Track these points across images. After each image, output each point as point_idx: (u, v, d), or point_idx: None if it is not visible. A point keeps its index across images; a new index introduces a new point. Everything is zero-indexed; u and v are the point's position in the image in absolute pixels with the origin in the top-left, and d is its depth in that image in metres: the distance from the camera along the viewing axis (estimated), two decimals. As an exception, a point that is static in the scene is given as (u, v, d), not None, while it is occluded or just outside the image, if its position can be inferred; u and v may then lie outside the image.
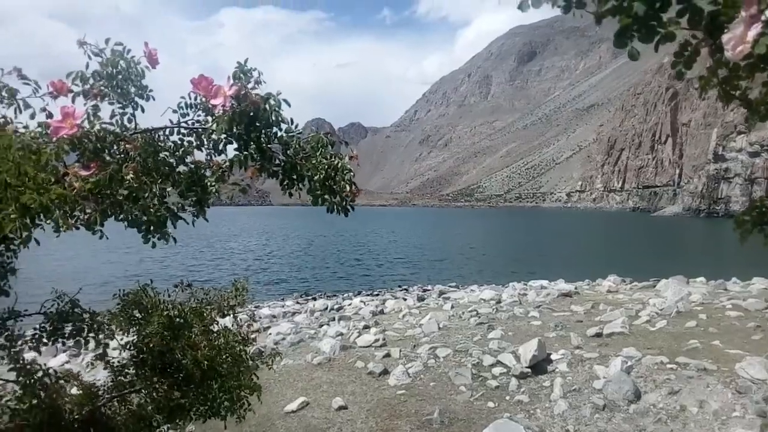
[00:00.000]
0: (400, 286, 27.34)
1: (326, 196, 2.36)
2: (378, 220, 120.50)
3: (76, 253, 39.34)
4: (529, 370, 8.49)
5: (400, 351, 10.08)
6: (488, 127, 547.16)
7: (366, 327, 12.85)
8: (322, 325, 14.27)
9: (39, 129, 2.19)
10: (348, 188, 2.37)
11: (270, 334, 13.24)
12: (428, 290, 24.00)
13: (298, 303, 21.82)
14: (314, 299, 22.63)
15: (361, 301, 19.80)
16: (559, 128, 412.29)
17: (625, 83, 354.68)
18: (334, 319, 15.26)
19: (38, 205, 1.74)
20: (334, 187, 2.35)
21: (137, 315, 2.92)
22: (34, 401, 2.65)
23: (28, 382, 2.82)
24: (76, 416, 2.75)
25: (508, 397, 7.88)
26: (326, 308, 18.67)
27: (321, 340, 11.48)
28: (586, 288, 17.47)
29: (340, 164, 2.36)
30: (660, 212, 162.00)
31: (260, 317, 16.86)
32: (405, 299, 19.28)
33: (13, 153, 1.82)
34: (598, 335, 10.06)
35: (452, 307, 15.20)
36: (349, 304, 19.23)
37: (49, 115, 2.23)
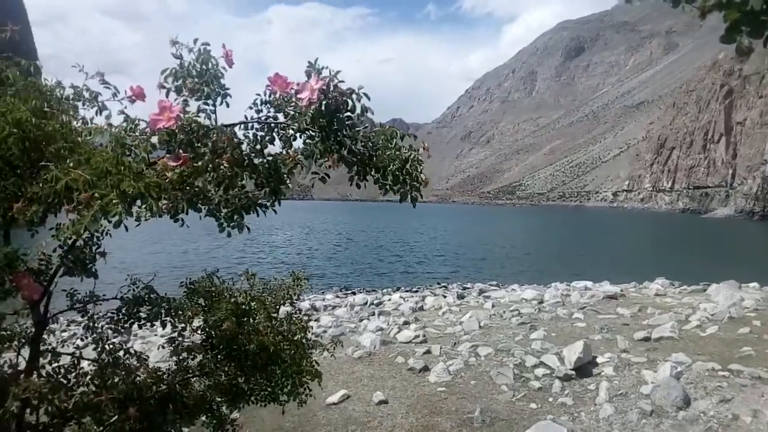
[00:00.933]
0: (439, 283, 27.20)
1: (397, 186, 2.48)
2: (418, 216, 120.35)
3: (119, 245, 40.74)
4: (573, 372, 8.34)
5: (441, 348, 10.06)
6: (532, 123, 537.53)
7: (406, 323, 12.88)
8: (362, 320, 14.37)
9: (125, 124, 2.34)
10: (419, 179, 2.48)
11: (311, 326, 13.43)
12: (468, 288, 23.79)
13: (338, 297, 22.02)
14: (353, 294, 22.77)
15: (401, 297, 19.83)
16: (606, 125, 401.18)
17: (677, 80, 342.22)
18: (374, 314, 15.35)
19: (136, 192, 1.86)
20: (406, 177, 2.45)
21: (201, 302, 3.04)
22: (116, 378, 2.84)
23: (110, 360, 3.02)
24: (155, 394, 2.92)
25: (551, 399, 7.76)
26: (366, 303, 18.77)
27: (361, 334, 11.57)
28: (632, 290, 16.98)
29: (412, 155, 2.47)
30: (711, 214, 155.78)
31: (300, 310, 17.10)
32: (444, 296, 19.18)
33: (110, 145, 1.96)
34: (646, 339, 9.78)
35: (493, 306, 15.06)
36: (389, 300, 19.29)
37: (127, 118, 2.38)
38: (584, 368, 8.48)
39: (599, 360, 8.78)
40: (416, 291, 23.89)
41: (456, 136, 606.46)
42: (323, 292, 24.00)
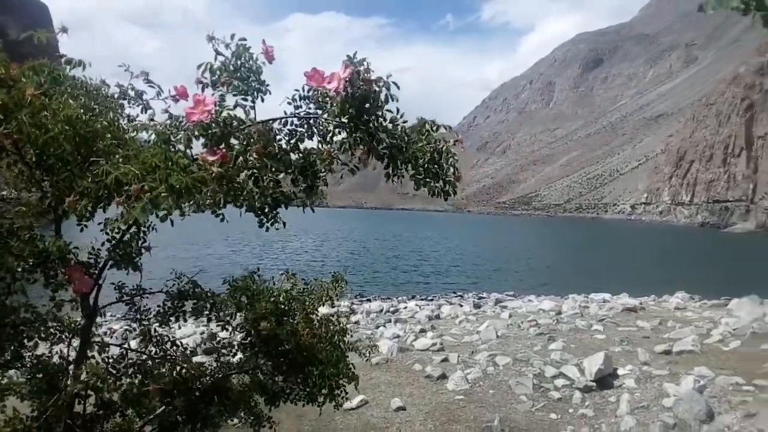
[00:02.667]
0: (455, 293, 27.08)
1: (428, 180, 2.43)
2: (433, 226, 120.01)
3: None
4: (594, 383, 8.27)
5: (458, 356, 10.04)
6: (549, 134, 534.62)
7: (422, 330, 12.86)
8: (378, 327, 14.38)
9: (168, 121, 2.40)
10: (452, 171, 2.44)
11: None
12: (484, 298, 23.65)
13: (354, 304, 22.04)
14: (369, 301, 22.77)
15: (417, 305, 19.82)
16: (624, 137, 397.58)
17: (697, 93, 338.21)
18: (390, 321, 15.35)
19: (183, 186, 1.92)
20: (438, 170, 2.42)
21: (243, 300, 3.09)
22: (163, 369, 2.90)
23: (157, 351, 3.07)
24: (200, 386, 2.98)
25: (571, 410, 7.70)
26: (381, 310, 18.75)
27: (378, 341, 11.58)
28: (651, 304, 16.79)
29: (444, 147, 2.44)
30: (731, 228, 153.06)
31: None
32: (461, 306, 19.12)
33: (158, 142, 2.02)
34: (667, 352, 9.67)
35: (510, 316, 14.98)
36: (405, 308, 19.27)
37: (171, 116, 2.46)
38: (605, 380, 8.40)
39: (620, 372, 8.70)
40: (432, 300, 23.82)
41: (472, 145, 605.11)
42: (339, 299, 23.96)
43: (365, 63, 2.33)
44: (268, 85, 2.52)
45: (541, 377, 8.82)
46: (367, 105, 2.35)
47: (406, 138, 2.48)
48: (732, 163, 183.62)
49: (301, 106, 2.51)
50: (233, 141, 2.36)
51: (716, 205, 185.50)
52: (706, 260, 58.19)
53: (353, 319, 16.77)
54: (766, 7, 1.31)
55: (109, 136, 2.40)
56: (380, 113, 2.41)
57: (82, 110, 2.35)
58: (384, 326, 14.41)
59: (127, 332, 3.36)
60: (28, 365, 2.76)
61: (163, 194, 1.90)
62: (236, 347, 3.31)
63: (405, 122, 2.49)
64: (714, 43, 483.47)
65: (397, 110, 2.44)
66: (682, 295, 18.46)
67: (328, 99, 2.41)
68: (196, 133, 2.26)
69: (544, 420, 7.47)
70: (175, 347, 3.22)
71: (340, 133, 2.50)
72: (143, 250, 2.60)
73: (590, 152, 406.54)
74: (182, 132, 2.36)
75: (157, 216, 1.95)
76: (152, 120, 2.52)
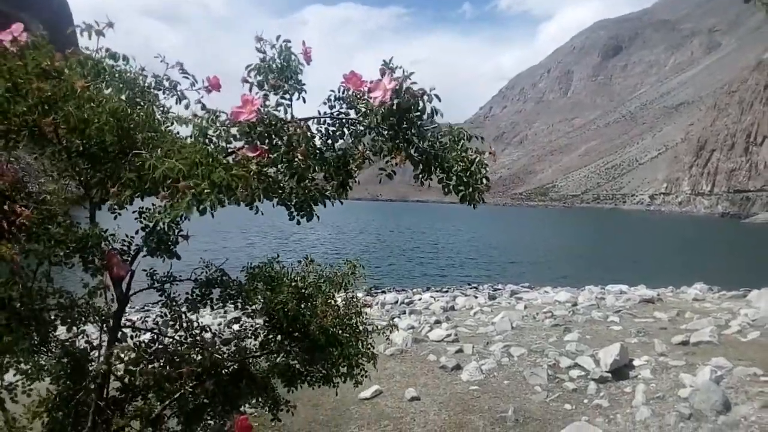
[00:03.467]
0: (469, 284, 27.09)
1: (460, 188, 2.52)
2: (448, 217, 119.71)
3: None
4: (609, 374, 8.24)
5: (473, 347, 10.06)
6: (567, 124, 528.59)
7: (437, 322, 12.90)
8: (393, 318, 14.44)
9: (206, 115, 2.53)
10: (484, 182, 2.53)
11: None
12: (499, 289, 23.65)
13: (369, 295, 22.15)
14: (384, 293, 22.88)
15: (431, 297, 19.86)
16: (644, 126, 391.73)
17: (718, 80, 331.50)
18: (404, 313, 15.41)
19: (225, 183, 2.01)
20: (470, 179, 2.50)
21: (260, 286, 3.20)
22: (193, 353, 3.04)
23: (187, 336, 3.25)
24: (229, 369, 3.12)
25: (586, 401, 7.69)
26: (396, 302, 18.85)
27: (393, 332, 11.63)
28: (669, 295, 16.61)
29: (478, 159, 2.53)
30: (752, 219, 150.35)
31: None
32: (476, 297, 19.13)
33: (194, 135, 2.13)
34: (684, 343, 9.59)
35: (525, 307, 14.96)
36: (419, 299, 19.33)
37: (204, 107, 2.57)
38: (620, 371, 8.37)
39: (636, 363, 8.66)
40: (446, 291, 23.86)
41: (488, 136, 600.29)
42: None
43: (407, 73, 2.41)
44: (304, 84, 2.62)
45: (555, 368, 8.82)
46: (409, 116, 2.45)
47: (439, 144, 2.59)
48: (754, 152, 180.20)
49: (335, 107, 2.62)
50: (277, 140, 2.47)
51: (737, 194, 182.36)
52: (725, 251, 57.36)
53: (367, 310, 16.87)
54: None
55: (148, 128, 2.48)
56: (420, 123, 2.51)
57: (125, 102, 2.44)
58: (399, 317, 14.47)
59: (159, 317, 3.51)
60: (54, 350, 2.88)
61: (206, 190, 1.98)
62: (259, 331, 3.44)
63: (435, 126, 2.60)
64: (736, 29, 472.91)
65: (433, 118, 2.53)
66: (701, 287, 18.27)
67: (364, 103, 2.49)
68: (244, 130, 2.36)
69: (558, 410, 7.48)
70: (204, 332, 3.36)
71: (370, 133, 2.60)
72: (180, 239, 2.70)
73: (609, 142, 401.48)
74: (221, 127, 2.47)
75: (198, 210, 2.02)
76: (194, 114, 2.60)
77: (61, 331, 2.80)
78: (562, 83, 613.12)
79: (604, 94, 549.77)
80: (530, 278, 28.69)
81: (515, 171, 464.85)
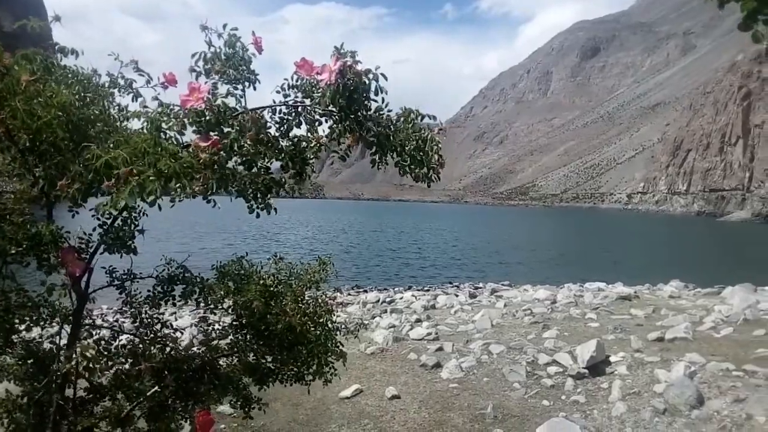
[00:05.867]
0: (451, 283, 27.20)
1: (413, 167, 2.55)
2: (429, 217, 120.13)
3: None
4: (586, 370, 8.35)
5: (453, 345, 10.11)
6: (546, 124, 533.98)
7: (418, 320, 12.93)
8: (374, 317, 14.42)
9: (160, 109, 2.48)
10: (436, 158, 2.55)
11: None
12: (480, 288, 23.78)
13: (350, 294, 22.12)
14: (365, 292, 22.87)
15: (413, 296, 19.89)
16: (621, 127, 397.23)
17: (694, 81, 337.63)
18: (386, 311, 15.40)
19: (171, 171, 1.97)
20: (423, 157, 2.53)
21: (231, 285, 3.16)
22: (153, 350, 2.98)
23: (148, 333, 3.19)
24: (191, 365, 3.07)
25: (563, 397, 7.78)
26: (378, 301, 18.83)
27: (374, 330, 11.64)
28: (646, 292, 16.91)
29: (429, 136, 2.55)
30: (727, 217, 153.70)
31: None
32: (456, 296, 19.20)
33: (146, 127, 2.07)
34: (660, 340, 9.76)
35: (505, 305, 15.07)
36: (401, 298, 19.34)
37: (161, 103, 2.52)
38: (597, 367, 8.48)
39: (612, 359, 8.78)
40: (428, 290, 23.92)
41: (469, 136, 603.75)
42: (335, 290, 24.09)
43: (353, 55, 2.41)
44: (257, 74, 2.60)
45: (534, 365, 8.91)
46: (356, 96, 2.44)
47: (392, 126, 2.58)
48: (728, 152, 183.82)
49: (289, 95, 2.61)
50: (225, 128, 2.45)
51: (712, 194, 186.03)
52: (701, 249, 58.53)
53: (349, 309, 16.86)
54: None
55: (100, 123, 2.44)
56: (368, 104, 2.50)
57: (75, 97, 2.39)
58: (380, 316, 14.46)
59: (118, 314, 3.46)
60: (18, 350, 2.82)
61: (150, 178, 1.94)
62: (228, 330, 3.39)
63: (390, 111, 2.59)
64: (711, 31, 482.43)
65: (383, 100, 2.53)
66: (677, 284, 18.59)
67: (317, 89, 2.49)
68: (191, 119, 2.34)
69: (536, 407, 7.55)
70: (165, 329, 3.31)
71: (327, 121, 2.61)
72: (136, 234, 2.66)
73: (587, 142, 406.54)
74: (174, 119, 2.43)
75: (145, 201, 1.98)
76: (145, 107, 2.57)
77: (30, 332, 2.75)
78: (542, 84, 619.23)
79: (582, 95, 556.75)
80: (510, 277, 28.92)
81: (496, 171, 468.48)
